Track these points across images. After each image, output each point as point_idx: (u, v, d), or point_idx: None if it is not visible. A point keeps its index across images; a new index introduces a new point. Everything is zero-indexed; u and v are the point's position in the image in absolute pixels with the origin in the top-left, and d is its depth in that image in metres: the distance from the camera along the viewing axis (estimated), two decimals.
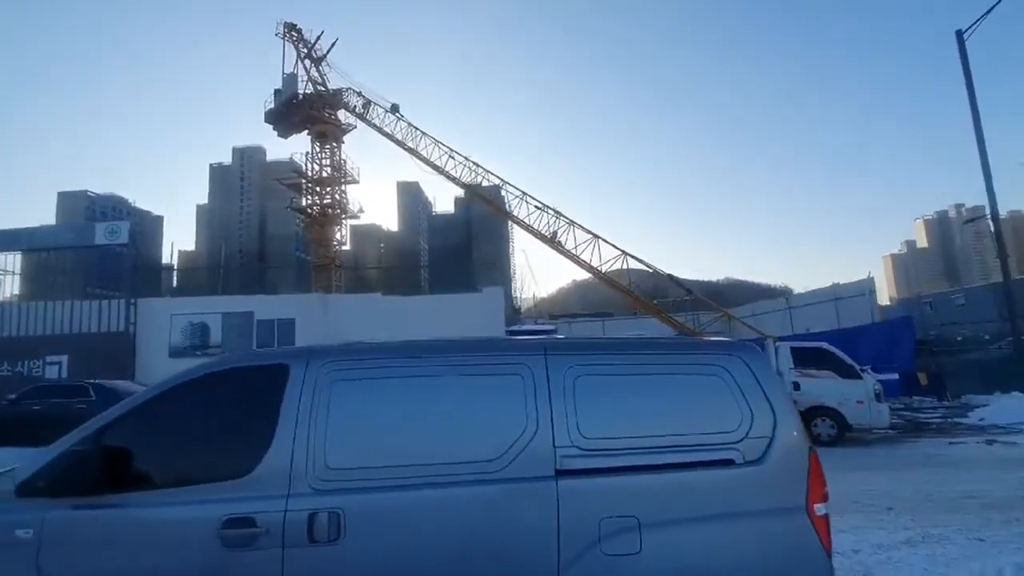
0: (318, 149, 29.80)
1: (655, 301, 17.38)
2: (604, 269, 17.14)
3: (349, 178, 30.14)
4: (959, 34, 14.39)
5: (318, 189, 29.38)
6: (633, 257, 16.67)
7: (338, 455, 2.41)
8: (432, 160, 22.78)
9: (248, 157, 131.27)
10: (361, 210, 32.17)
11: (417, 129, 23.93)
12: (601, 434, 2.49)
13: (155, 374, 15.02)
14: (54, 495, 2.31)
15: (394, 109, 25.42)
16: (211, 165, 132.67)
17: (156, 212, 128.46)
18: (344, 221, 30.48)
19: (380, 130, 25.56)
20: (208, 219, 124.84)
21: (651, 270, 16.31)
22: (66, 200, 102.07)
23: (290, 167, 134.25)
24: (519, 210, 19.59)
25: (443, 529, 2.33)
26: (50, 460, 2.40)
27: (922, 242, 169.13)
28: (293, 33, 31.68)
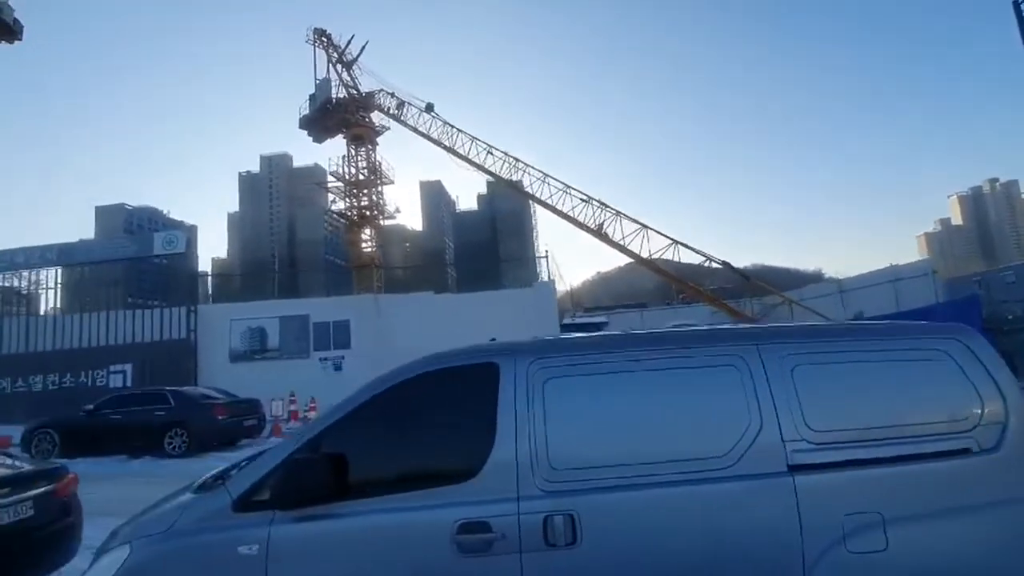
0: (353, 152, 30.08)
1: (710, 288, 17.15)
2: (654, 258, 16.91)
3: (385, 179, 30.40)
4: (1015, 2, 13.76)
5: (355, 192, 29.67)
6: (685, 246, 16.44)
7: (561, 455, 2.36)
8: (471, 157, 22.80)
9: (275, 164, 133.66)
10: (397, 210, 32.45)
11: (453, 127, 24.01)
12: (828, 426, 2.39)
13: (216, 380, 15.38)
14: (281, 507, 2.26)
15: (429, 108, 25.49)
16: (240, 174, 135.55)
17: (189, 222, 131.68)
18: (381, 222, 30.74)
19: (416, 130, 25.70)
20: (239, 227, 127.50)
21: (705, 258, 16.05)
22: (104, 214, 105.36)
23: (316, 173, 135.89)
24: (563, 203, 19.46)
25: (681, 530, 2.26)
26: (268, 470, 2.38)
27: (957, 219, 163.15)
28: (323, 39, 31.97)
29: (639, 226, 17.31)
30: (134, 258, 18.75)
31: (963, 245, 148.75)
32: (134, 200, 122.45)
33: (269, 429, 12.85)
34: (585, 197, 18.81)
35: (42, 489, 3.96)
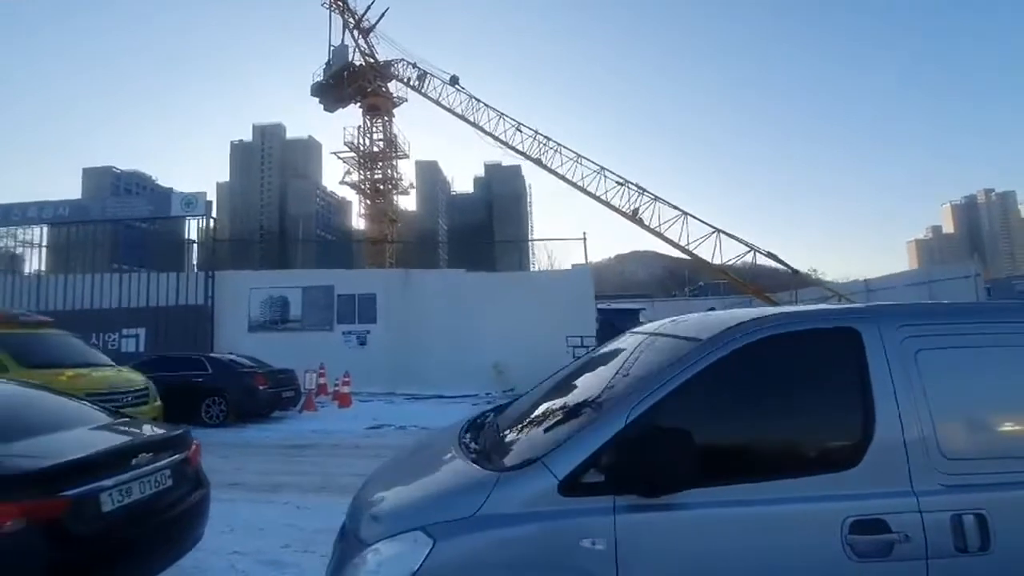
0: (369, 123, 29.18)
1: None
2: (694, 247, 16.54)
3: (400, 152, 29.56)
4: None
5: (370, 164, 28.81)
6: (727, 235, 16.06)
7: (952, 441, 1.93)
8: (497, 134, 22.11)
9: (269, 134, 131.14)
10: (412, 185, 31.62)
11: (479, 101, 23.23)
12: None
13: (233, 348, 14.75)
14: (627, 492, 1.81)
15: (453, 81, 24.65)
16: (232, 142, 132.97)
17: (179, 189, 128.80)
18: (395, 197, 29.98)
19: (438, 103, 24.85)
20: (229, 196, 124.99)
21: (749, 248, 15.70)
22: (91, 176, 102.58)
23: (310, 145, 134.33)
24: (595, 186, 18.93)
25: None
26: (597, 447, 1.92)
27: (948, 227, 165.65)
28: (339, 2, 30.85)
29: (679, 212, 16.87)
30: (152, 218, 17.90)
31: (952, 253, 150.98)
32: (122, 164, 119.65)
33: (302, 401, 12.31)
34: (621, 180, 18.30)
35: (177, 456, 3.45)
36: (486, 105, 23.07)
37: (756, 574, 1.82)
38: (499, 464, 2.08)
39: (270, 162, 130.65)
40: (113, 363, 8.38)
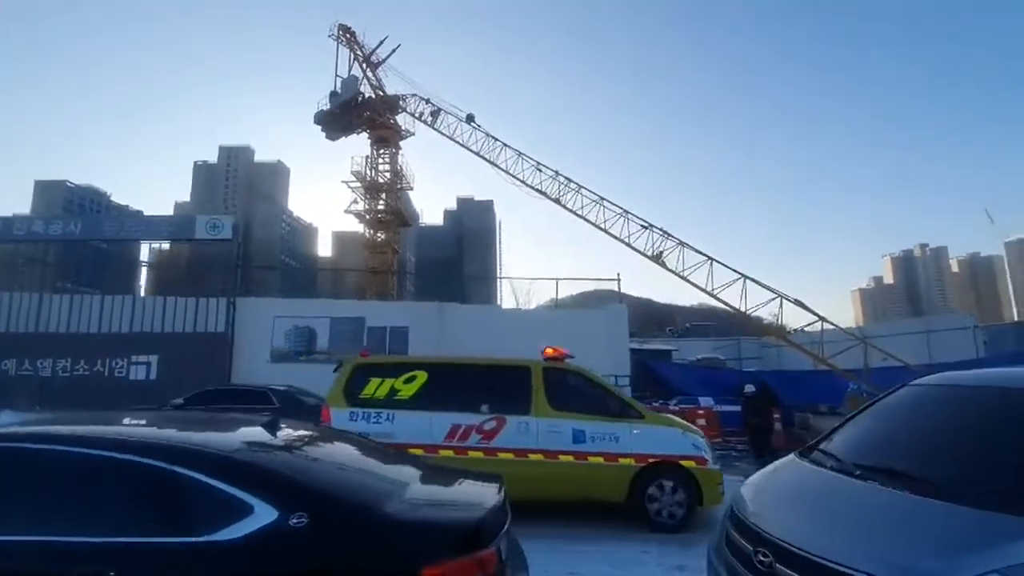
0: (375, 154, 29.19)
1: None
2: (718, 292, 17.14)
3: (406, 184, 29.60)
4: None
5: (375, 194, 28.68)
6: (754, 281, 16.73)
7: None
8: (517, 174, 22.53)
9: (235, 157, 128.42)
10: (416, 216, 31.58)
11: (497, 140, 23.69)
12: None
13: (254, 379, 14.18)
14: None
15: (470, 119, 25.07)
16: (195, 162, 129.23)
17: (135, 207, 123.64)
18: (399, 228, 29.82)
19: (454, 140, 25.19)
20: None
21: (775, 295, 16.40)
22: (44, 190, 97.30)
23: (279, 169, 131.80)
24: (617, 228, 19.47)
25: None
26: None
27: (888, 278, 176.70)
28: (347, 35, 31.16)
29: (705, 258, 17.51)
30: (173, 239, 17.15)
31: (893, 302, 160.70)
32: (76, 178, 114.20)
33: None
34: (645, 224, 18.90)
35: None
36: (504, 144, 23.54)
37: None
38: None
39: (235, 184, 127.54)
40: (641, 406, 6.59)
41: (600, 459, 6.06)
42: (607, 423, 6.15)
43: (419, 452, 5.96)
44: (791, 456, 3.76)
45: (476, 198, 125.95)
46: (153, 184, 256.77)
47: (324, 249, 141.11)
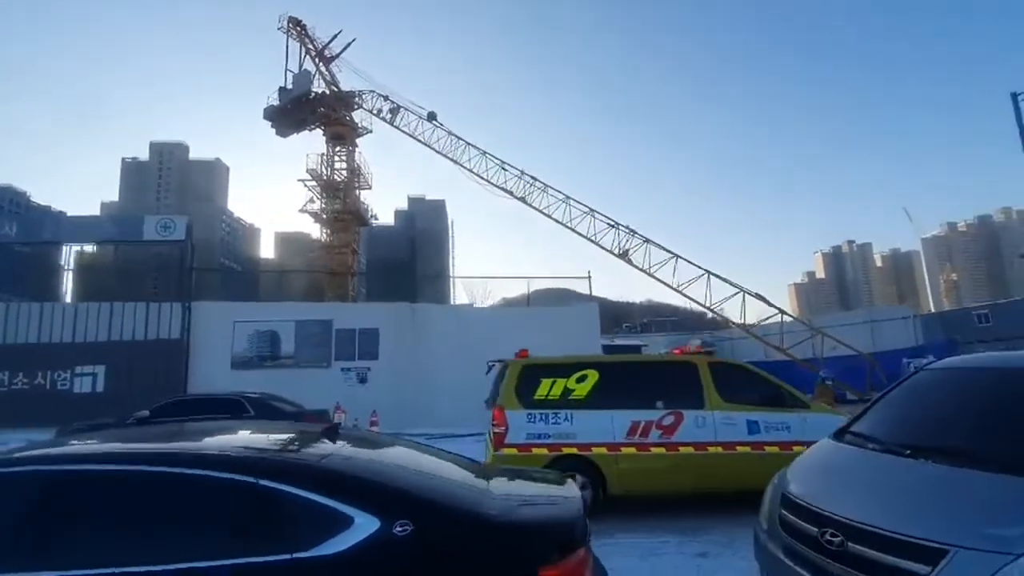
0: (332, 152, 28.32)
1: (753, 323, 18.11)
2: (684, 288, 17.62)
3: (364, 183, 28.85)
4: (1014, 96, 16.30)
5: (331, 194, 27.80)
6: (717, 276, 17.31)
7: None
8: (481, 173, 22.39)
9: (168, 154, 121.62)
10: (375, 216, 30.80)
11: (460, 139, 23.45)
12: None
13: (213, 387, 13.50)
14: None
15: (431, 117, 24.68)
16: (124, 159, 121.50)
17: (57, 208, 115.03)
18: (358, 228, 29.01)
19: (415, 138, 24.75)
20: None
21: (738, 289, 17.01)
22: None
23: (216, 168, 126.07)
24: (584, 227, 19.70)
25: None
26: None
27: (820, 273, 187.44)
28: (298, 28, 30.11)
29: (669, 254, 17.98)
30: (117, 241, 15.96)
31: (824, 296, 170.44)
32: None
33: None
34: (612, 222, 19.21)
35: None
36: (467, 143, 23.36)
37: None
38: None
39: (168, 184, 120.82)
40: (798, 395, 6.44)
41: (776, 448, 6.06)
42: (777, 413, 6.22)
43: (602, 451, 6.05)
44: (825, 440, 3.91)
45: (427, 197, 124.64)
46: (77, 183, 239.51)
47: (267, 251, 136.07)
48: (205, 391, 12.90)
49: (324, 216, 27.76)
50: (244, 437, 2.73)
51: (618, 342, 18.98)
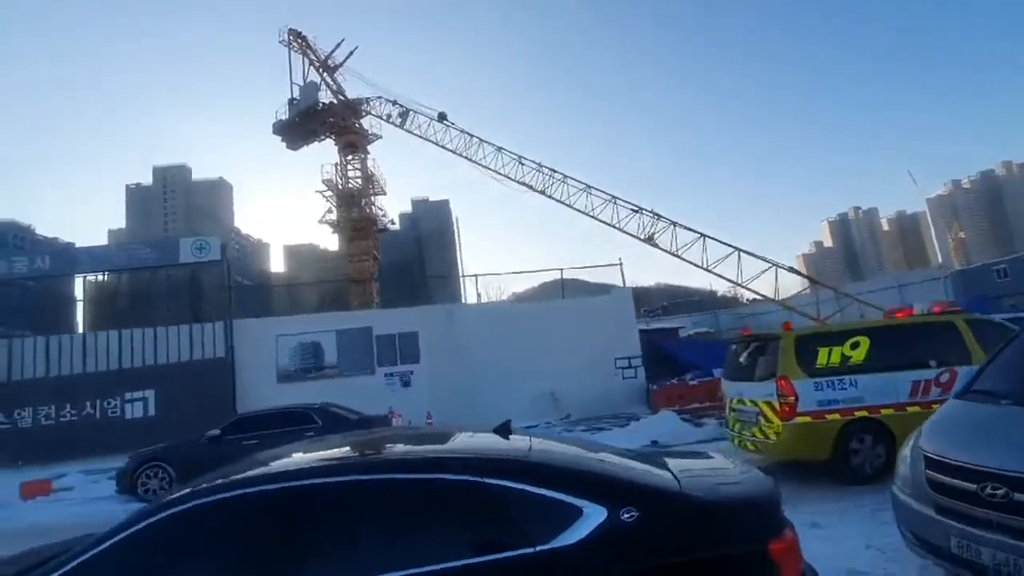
0: (345, 161, 28.45)
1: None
2: (713, 267, 17.63)
3: (378, 189, 28.96)
4: None
5: (348, 203, 27.94)
6: (747, 253, 17.31)
7: None
8: (498, 169, 22.42)
9: (171, 177, 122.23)
10: (392, 222, 30.91)
11: (473, 136, 23.46)
12: None
13: (262, 402, 13.65)
14: None
15: (442, 117, 24.68)
16: (128, 186, 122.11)
17: (64, 239, 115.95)
18: (376, 234, 29.15)
19: (427, 139, 24.77)
20: None
21: (770, 264, 17.03)
22: None
23: (220, 187, 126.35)
24: (606, 214, 19.70)
25: None
26: None
27: (828, 242, 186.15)
28: (299, 40, 30.16)
29: (696, 234, 17.98)
30: (156, 266, 16.18)
31: (833, 265, 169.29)
32: None
33: None
34: (635, 207, 19.22)
35: None
36: (480, 139, 23.37)
37: None
38: None
39: (174, 207, 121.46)
40: None
41: None
42: None
43: (889, 412, 6.26)
44: (952, 401, 4.00)
45: (431, 198, 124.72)
46: (81, 213, 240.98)
47: (276, 265, 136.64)
48: (255, 407, 13.08)
49: (342, 225, 27.92)
50: (433, 442, 2.80)
51: (654, 326, 19.04)
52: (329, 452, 2.68)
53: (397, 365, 15.91)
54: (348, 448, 2.81)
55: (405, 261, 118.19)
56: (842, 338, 6.59)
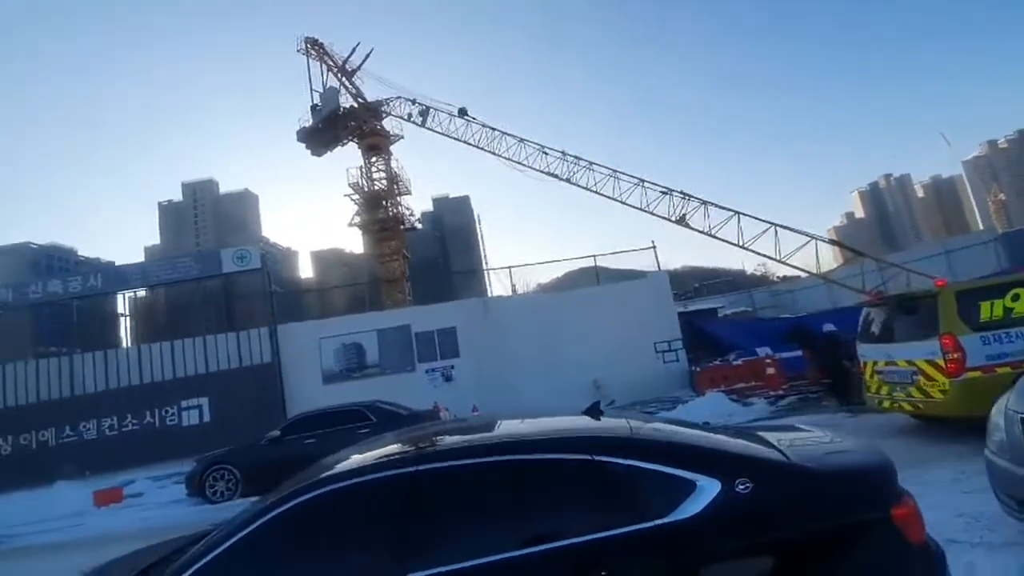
0: (369, 163, 28.77)
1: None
2: (750, 244, 17.31)
3: (404, 189, 29.22)
4: None
5: (375, 204, 28.29)
6: (785, 227, 16.95)
7: None
8: (521, 160, 22.37)
9: (200, 191, 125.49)
10: (419, 220, 31.20)
11: (495, 130, 23.45)
12: None
13: (309, 404, 13.93)
14: None
15: (462, 113, 24.71)
16: (160, 203, 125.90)
17: (106, 258, 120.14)
18: (404, 233, 29.47)
19: (449, 136, 24.84)
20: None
21: (810, 238, 16.66)
22: (7, 256, 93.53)
23: (246, 198, 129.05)
24: (634, 198, 19.51)
25: None
26: None
27: (860, 213, 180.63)
28: (316, 48, 30.53)
29: (731, 212, 17.67)
30: (199, 278, 16.72)
31: (867, 235, 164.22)
32: (37, 238, 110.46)
33: None
34: (665, 189, 18.97)
35: None
36: (502, 132, 23.33)
37: None
38: None
39: (204, 220, 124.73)
40: None
41: None
42: None
43: None
44: None
45: (451, 195, 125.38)
46: (117, 232, 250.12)
47: (305, 271, 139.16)
48: (304, 408, 13.39)
49: (369, 227, 28.28)
50: (537, 426, 2.85)
51: (691, 308, 18.83)
52: (446, 438, 2.76)
53: (437, 360, 16.11)
54: (462, 434, 2.89)
55: (429, 259, 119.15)
56: (1003, 290, 6.37)
